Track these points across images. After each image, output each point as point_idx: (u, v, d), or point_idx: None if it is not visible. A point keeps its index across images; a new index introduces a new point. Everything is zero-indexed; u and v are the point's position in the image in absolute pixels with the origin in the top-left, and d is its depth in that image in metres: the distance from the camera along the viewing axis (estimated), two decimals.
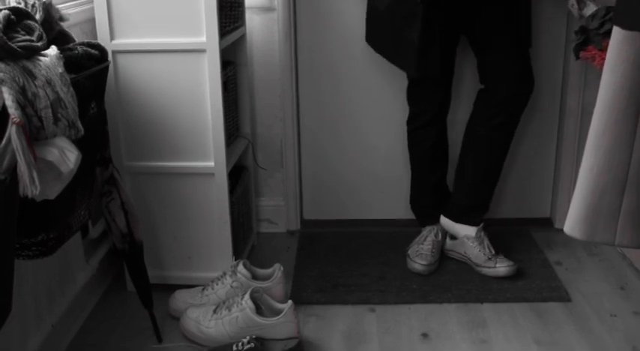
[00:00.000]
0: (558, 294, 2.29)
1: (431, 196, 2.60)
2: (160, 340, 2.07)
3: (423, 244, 2.50)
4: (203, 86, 2.12)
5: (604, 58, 1.65)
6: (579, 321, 2.15)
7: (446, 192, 2.63)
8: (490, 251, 2.43)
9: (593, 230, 1.10)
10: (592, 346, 2.02)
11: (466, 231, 2.50)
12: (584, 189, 1.10)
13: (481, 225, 2.50)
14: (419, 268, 2.42)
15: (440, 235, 2.54)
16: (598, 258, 2.56)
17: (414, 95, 2.51)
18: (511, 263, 2.39)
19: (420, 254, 2.46)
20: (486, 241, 2.46)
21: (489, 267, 2.40)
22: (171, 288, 2.25)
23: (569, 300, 2.26)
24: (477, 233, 2.48)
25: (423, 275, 2.42)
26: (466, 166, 2.53)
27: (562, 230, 2.71)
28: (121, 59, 2.12)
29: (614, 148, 1.08)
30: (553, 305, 2.24)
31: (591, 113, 1.17)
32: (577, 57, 2.11)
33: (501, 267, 2.38)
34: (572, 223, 1.13)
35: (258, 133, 2.71)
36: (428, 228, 2.57)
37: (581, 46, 2.08)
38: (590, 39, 2.07)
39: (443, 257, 2.53)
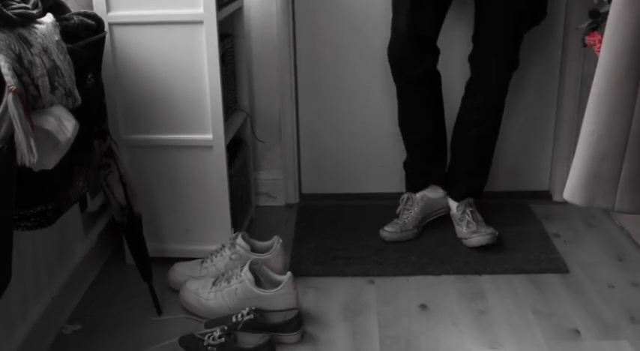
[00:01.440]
0: (556, 265, 2.30)
1: (410, 156, 2.57)
2: (159, 312, 2.08)
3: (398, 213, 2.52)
4: (201, 58, 2.10)
5: None
6: (577, 292, 2.16)
7: (435, 157, 2.57)
8: (470, 227, 2.43)
9: (593, 196, 1.10)
10: (590, 317, 2.02)
11: (451, 204, 2.53)
12: (584, 154, 1.10)
13: (464, 200, 2.49)
14: (383, 233, 2.46)
15: (417, 206, 2.52)
16: (596, 230, 2.56)
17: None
18: (488, 232, 2.39)
19: (391, 222, 2.49)
20: (468, 217, 2.45)
21: (466, 238, 2.42)
22: (170, 261, 2.25)
23: (567, 271, 2.27)
24: (457, 208, 2.49)
25: (388, 242, 2.45)
26: (457, 143, 2.55)
27: (560, 203, 2.75)
28: (118, 31, 2.10)
29: (614, 113, 1.07)
30: (551, 276, 2.24)
31: (590, 86, 1.16)
32: (584, 44, 2.08)
33: (475, 237, 2.39)
34: (571, 189, 1.12)
35: (256, 107, 2.70)
36: (405, 195, 2.58)
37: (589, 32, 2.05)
38: (599, 25, 2.03)
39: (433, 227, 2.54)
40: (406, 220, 2.48)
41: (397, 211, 2.54)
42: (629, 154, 1.08)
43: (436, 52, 2.39)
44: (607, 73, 1.08)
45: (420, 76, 2.38)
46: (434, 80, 2.44)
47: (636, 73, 1.05)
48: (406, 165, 2.58)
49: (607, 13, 1.71)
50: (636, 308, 2.06)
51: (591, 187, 1.10)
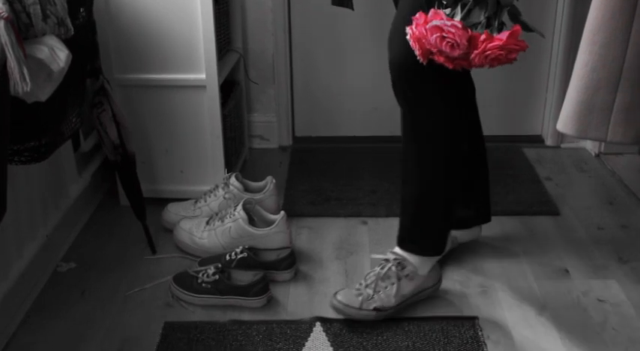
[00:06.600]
0: (547, 208, 2.32)
1: None
2: (153, 251, 2.09)
3: None
4: None
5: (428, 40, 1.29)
6: (567, 234, 2.18)
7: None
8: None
9: (586, 127, 1.10)
10: (579, 258, 2.05)
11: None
12: (578, 86, 1.10)
13: None
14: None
15: None
16: (587, 174, 2.58)
17: None
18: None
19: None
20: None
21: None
22: (164, 201, 2.26)
23: (557, 214, 2.29)
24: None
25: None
26: None
27: (552, 147, 2.75)
28: None
29: (608, 44, 1.07)
30: (542, 219, 2.26)
31: (583, 29, 1.15)
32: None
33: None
34: (564, 120, 1.12)
35: (249, 48, 2.68)
36: None
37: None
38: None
39: None
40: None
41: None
42: (622, 85, 1.08)
43: None
44: (602, 4, 1.07)
45: None
46: None
47: (631, 4, 1.04)
48: None
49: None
50: (625, 249, 2.09)
51: (584, 117, 1.10)
